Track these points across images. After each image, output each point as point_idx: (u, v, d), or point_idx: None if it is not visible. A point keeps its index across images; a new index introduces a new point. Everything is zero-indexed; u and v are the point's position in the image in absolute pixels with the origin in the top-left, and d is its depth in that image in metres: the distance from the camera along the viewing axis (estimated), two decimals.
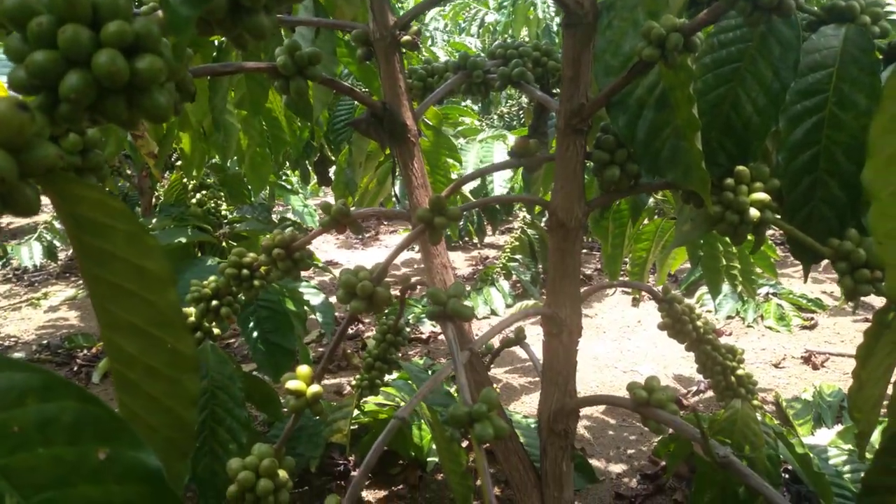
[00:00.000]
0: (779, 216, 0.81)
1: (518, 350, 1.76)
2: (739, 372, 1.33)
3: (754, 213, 0.79)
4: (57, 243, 4.31)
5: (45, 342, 3.27)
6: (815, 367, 2.62)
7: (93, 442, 0.34)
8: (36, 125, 0.34)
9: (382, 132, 0.88)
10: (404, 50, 0.91)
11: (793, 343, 2.88)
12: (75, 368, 2.92)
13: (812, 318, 3.10)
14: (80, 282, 4.53)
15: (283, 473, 0.79)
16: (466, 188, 2.25)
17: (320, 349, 3.06)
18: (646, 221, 1.90)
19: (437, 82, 1.14)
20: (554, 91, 1.13)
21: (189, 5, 0.35)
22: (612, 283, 1.01)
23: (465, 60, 1.02)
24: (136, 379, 0.44)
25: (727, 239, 1.98)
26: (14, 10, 0.36)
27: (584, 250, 4.90)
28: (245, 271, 1.08)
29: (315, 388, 0.80)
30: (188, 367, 0.44)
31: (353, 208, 0.93)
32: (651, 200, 1.86)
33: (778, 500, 0.63)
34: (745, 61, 0.81)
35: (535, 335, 2.75)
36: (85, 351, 3.11)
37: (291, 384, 0.79)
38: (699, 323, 1.26)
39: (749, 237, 0.84)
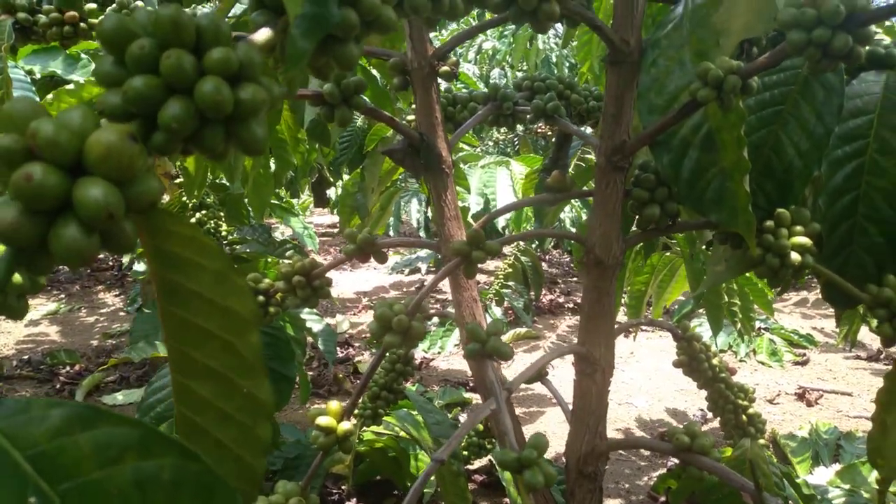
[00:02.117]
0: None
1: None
2: (750, 411, 1.32)
3: (795, 256, 0.78)
4: None
5: (25, 357, 3.18)
6: (809, 404, 2.62)
7: (191, 502, 0.32)
8: (144, 157, 0.32)
9: (418, 162, 0.86)
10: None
11: (786, 379, 2.89)
12: (58, 386, 2.84)
13: (804, 354, 3.11)
14: (62, 296, 4.44)
15: None
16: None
17: (310, 373, 3.01)
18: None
19: (459, 112, 1.13)
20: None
21: (309, 37, 0.33)
22: (640, 321, 1.00)
23: (496, 92, 1.01)
24: (205, 425, 0.42)
25: None
26: (113, 33, 0.34)
27: (574, 279, 4.91)
28: (261, 298, 1.05)
29: (346, 426, 0.77)
30: (263, 414, 0.42)
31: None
32: None
33: None
34: (787, 104, 0.81)
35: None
36: (68, 368, 3.03)
37: (322, 421, 0.77)
38: (715, 362, 1.26)
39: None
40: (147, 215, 0.35)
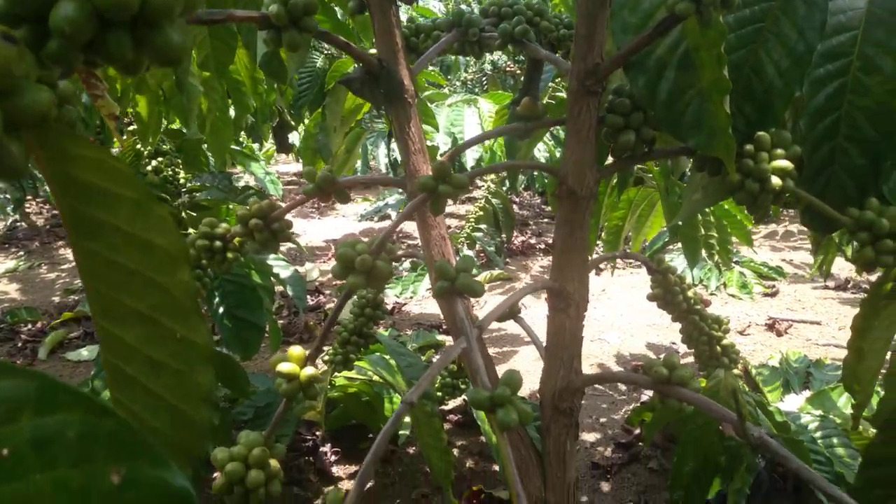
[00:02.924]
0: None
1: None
2: (725, 342, 1.31)
3: (776, 181, 0.75)
4: None
5: None
6: (778, 334, 2.66)
7: (104, 461, 0.27)
8: (26, 62, 0.26)
9: (377, 92, 0.81)
10: (400, 4, 0.83)
11: (756, 310, 2.92)
12: (20, 345, 2.77)
13: (773, 286, 3.14)
14: (21, 253, 4.32)
15: (274, 463, 0.73)
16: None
17: (280, 322, 2.97)
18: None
19: (423, 42, 1.07)
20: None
21: None
22: (615, 255, 0.97)
23: (461, 17, 0.95)
24: (135, 374, 0.38)
25: (707, 209, 1.96)
26: None
27: (546, 220, 4.89)
28: (217, 243, 1.00)
29: (310, 371, 0.73)
30: (200, 359, 0.37)
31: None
32: None
33: (818, 482, 0.60)
34: (768, 21, 0.76)
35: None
36: (29, 325, 2.96)
37: (284, 367, 0.73)
38: (689, 294, 1.24)
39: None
40: (43, 136, 0.30)
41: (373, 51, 1.43)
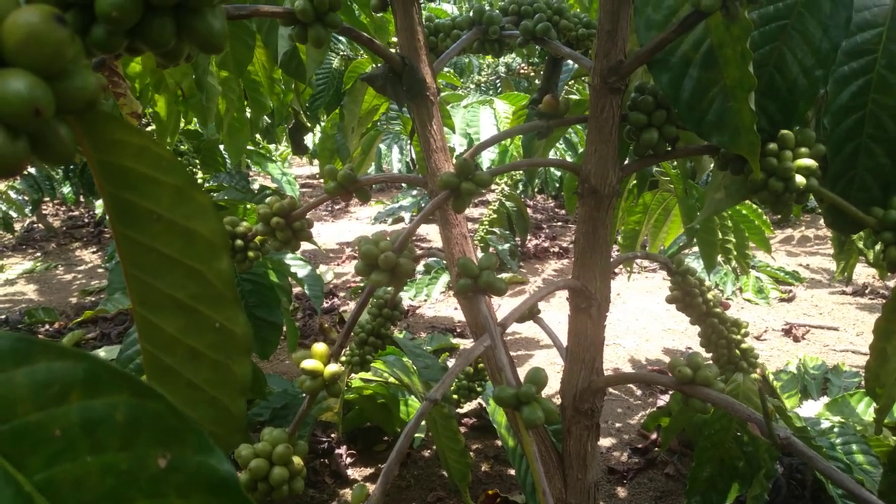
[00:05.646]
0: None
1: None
2: (744, 345, 1.30)
3: (800, 180, 0.74)
4: (13, 214, 4.12)
5: (3, 317, 3.12)
6: (796, 340, 2.64)
7: (151, 446, 0.28)
8: (76, 46, 0.26)
9: (400, 89, 0.81)
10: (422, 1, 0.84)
11: (772, 315, 2.90)
12: None
13: (790, 291, 3.12)
14: (38, 254, 4.35)
15: (297, 460, 0.73)
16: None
17: (296, 323, 2.98)
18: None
19: (442, 41, 1.08)
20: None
21: None
22: (636, 255, 0.96)
23: (481, 15, 0.95)
24: (174, 364, 0.38)
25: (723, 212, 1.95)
26: None
27: (559, 223, 4.88)
28: (239, 242, 1.00)
29: (333, 368, 0.74)
30: (238, 349, 0.37)
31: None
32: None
33: (847, 483, 0.59)
34: (792, 18, 0.76)
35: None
36: (47, 326, 2.98)
37: (308, 363, 0.73)
38: (709, 296, 1.23)
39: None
40: (87, 121, 0.30)
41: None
